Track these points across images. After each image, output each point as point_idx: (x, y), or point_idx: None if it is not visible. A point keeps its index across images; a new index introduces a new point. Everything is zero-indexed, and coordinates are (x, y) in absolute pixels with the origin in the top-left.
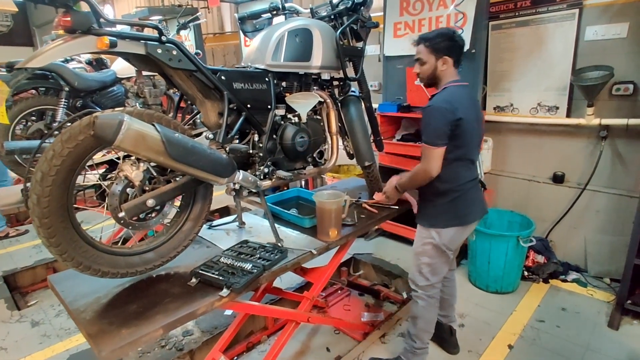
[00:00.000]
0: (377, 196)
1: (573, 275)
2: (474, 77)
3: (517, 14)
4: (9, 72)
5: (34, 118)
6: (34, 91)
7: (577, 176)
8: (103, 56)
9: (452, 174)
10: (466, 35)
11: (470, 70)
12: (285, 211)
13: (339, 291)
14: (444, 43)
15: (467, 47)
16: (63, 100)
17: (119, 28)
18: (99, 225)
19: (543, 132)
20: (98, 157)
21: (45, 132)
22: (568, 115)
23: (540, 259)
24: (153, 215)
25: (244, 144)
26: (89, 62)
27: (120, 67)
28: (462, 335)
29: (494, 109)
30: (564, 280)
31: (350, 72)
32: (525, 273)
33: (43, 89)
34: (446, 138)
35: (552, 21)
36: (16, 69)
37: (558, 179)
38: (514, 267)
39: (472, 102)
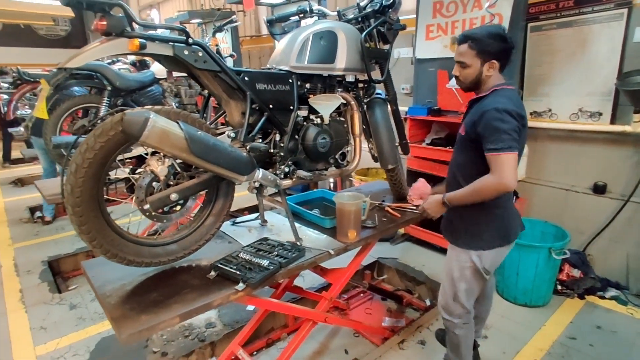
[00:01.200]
0: (415, 198)
1: (612, 292)
2: (509, 81)
3: (558, 14)
4: None
5: (79, 115)
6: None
7: (621, 187)
8: (146, 57)
9: None
10: None
11: (505, 74)
12: (307, 211)
13: (362, 294)
14: (494, 45)
15: None
16: (105, 98)
17: (159, 32)
18: (131, 219)
19: (584, 139)
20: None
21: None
22: (612, 122)
23: (576, 273)
24: (177, 209)
25: (265, 143)
26: (133, 64)
27: (158, 68)
28: (485, 347)
29: (531, 114)
30: (602, 297)
31: (376, 75)
32: (559, 287)
33: (89, 88)
34: (519, 143)
35: (597, 22)
36: (57, 69)
37: (599, 189)
38: (544, 280)
39: (523, 109)
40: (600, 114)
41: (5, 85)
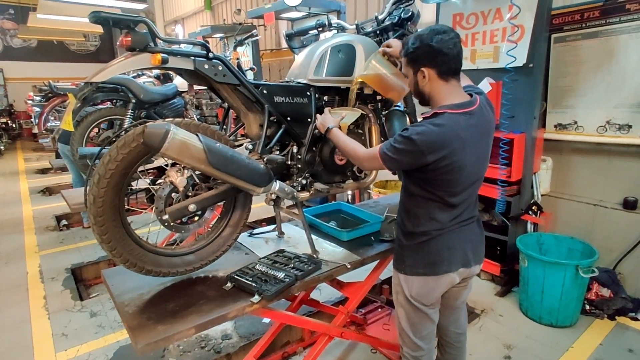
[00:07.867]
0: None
1: None
2: (532, 92)
3: (584, 25)
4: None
5: (105, 127)
6: (108, 102)
7: None
8: (169, 71)
9: (421, 212)
10: (522, 49)
11: (528, 86)
12: (324, 223)
13: (380, 309)
14: (417, 49)
15: (523, 61)
16: (130, 111)
17: (182, 47)
18: (151, 228)
19: (612, 152)
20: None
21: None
22: None
23: (606, 292)
24: (195, 219)
25: (282, 155)
26: (157, 77)
27: (181, 81)
28: None
29: (555, 126)
30: (634, 319)
31: None
32: (587, 307)
33: (115, 100)
34: (399, 169)
35: (625, 32)
36: (84, 83)
37: (630, 204)
38: (572, 299)
39: (478, 137)
40: (630, 127)
41: (38, 98)
